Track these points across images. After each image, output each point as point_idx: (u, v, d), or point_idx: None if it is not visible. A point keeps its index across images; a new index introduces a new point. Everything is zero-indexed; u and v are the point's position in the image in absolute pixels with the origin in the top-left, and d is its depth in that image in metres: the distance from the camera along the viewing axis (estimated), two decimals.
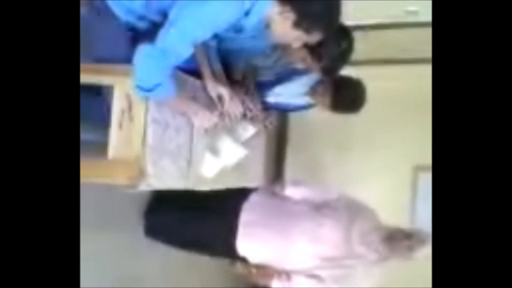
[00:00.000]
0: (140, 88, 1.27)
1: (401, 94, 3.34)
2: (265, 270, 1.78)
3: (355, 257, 1.69)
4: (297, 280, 1.72)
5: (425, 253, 1.60)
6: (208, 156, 1.61)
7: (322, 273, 1.69)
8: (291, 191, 1.88)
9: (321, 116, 3.36)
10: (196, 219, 1.90)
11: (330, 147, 3.50)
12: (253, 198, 1.91)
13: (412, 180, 3.31)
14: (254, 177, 2.01)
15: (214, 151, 1.63)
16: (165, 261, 2.34)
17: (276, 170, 3.51)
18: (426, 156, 3.29)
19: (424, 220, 3.21)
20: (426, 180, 3.34)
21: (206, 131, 1.57)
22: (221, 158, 1.64)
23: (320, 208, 1.79)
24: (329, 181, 3.36)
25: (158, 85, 1.27)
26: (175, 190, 1.53)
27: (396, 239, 1.65)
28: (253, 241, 1.81)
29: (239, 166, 1.79)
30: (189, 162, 1.55)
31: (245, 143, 1.79)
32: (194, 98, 1.56)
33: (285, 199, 1.91)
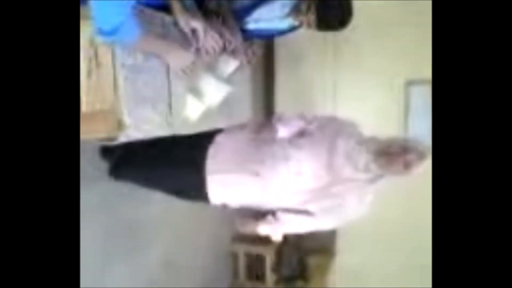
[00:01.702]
0: (101, 31, 1.11)
1: (391, 10, 3.12)
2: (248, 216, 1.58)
3: (343, 181, 1.43)
4: (285, 218, 1.50)
5: (424, 167, 1.37)
6: (190, 98, 1.49)
7: (311, 207, 1.46)
8: (284, 132, 1.52)
9: (308, 39, 3.24)
10: (163, 176, 1.57)
11: (320, 69, 3.35)
12: (219, 140, 1.58)
13: (404, 95, 3.21)
14: (242, 114, 1.90)
15: (196, 91, 1.50)
16: (165, 207, 2.31)
17: (266, 103, 3.39)
18: (417, 70, 3.23)
19: (416, 134, 3.21)
20: (418, 95, 3.25)
21: (184, 71, 1.43)
22: (204, 98, 1.51)
23: (294, 139, 1.49)
24: (320, 104, 3.27)
25: (119, 26, 1.11)
26: (137, 145, 1.42)
27: (390, 154, 1.36)
28: (225, 188, 1.52)
29: (225, 105, 1.67)
30: (170, 106, 1.43)
31: (228, 79, 1.65)
32: (165, 36, 1.39)
33: (257, 135, 1.59)
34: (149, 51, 1.32)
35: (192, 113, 1.50)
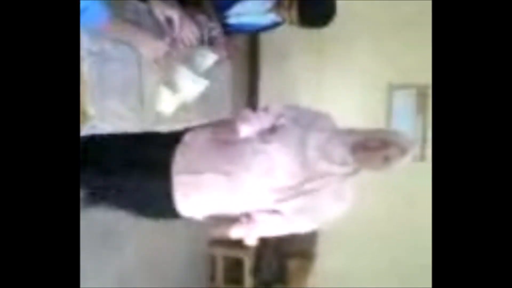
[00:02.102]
0: None
1: (378, 13, 3.09)
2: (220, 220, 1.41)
3: (318, 177, 1.30)
4: (260, 217, 1.36)
5: (405, 163, 1.26)
6: (163, 91, 1.38)
7: (283, 207, 1.32)
8: (246, 131, 1.37)
9: (294, 38, 3.18)
10: (123, 182, 1.34)
11: (305, 68, 3.30)
12: (187, 139, 1.41)
13: (387, 98, 3.18)
14: (221, 111, 1.80)
15: (170, 85, 1.40)
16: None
17: (249, 102, 3.30)
18: (401, 74, 3.20)
19: None
20: (400, 98, 3.22)
21: (157, 61, 1.32)
22: (179, 92, 1.41)
23: (265, 134, 1.37)
24: (304, 103, 3.22)
25: (84, 8, 1.00)
26: (94, 148, 1.26)
27: (369, 149, 1.25)
28: (194, 191, 1.34)
29: (203, 100, 1.57)
30: (142, 100, 1.32)
31: (207, 74, 1.55)
32: (137, 24, 1.28)
33: (218, 136, 1.43)
34: (119, 38, 1.21)
35: (166, 108, 1.39)
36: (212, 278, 3.13)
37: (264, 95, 3.32)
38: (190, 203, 1.35)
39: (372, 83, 3.19)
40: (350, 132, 1.34)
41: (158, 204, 1.36)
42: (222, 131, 1.39)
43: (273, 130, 1.38)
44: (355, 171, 1.32)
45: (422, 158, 2.87)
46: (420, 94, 3.17)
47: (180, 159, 1.35)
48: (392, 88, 3.21)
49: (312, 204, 1.31)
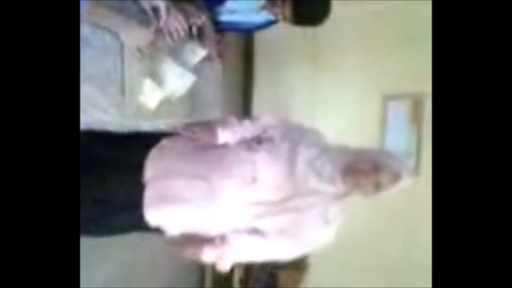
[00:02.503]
0: None
1: (375, 22, 3.07)
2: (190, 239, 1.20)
3: (305, 194, 1.18)
4: (236, 240, 1.19)
5: (399, 189, 1.15)
6: (147, 83, 1.30)
7: (263, 224, 1.17)
8: (225, 136, 1.25)
9: (289, 41, 3.13)
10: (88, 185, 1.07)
11: (300, 74, 3.25)
12: (165, 143, 1.26)
13: (381, 109, 3.12)
14: (210, 112, 1.72)
15: (155, 76, 1.32)
16: None
17: (243, 103, 3.23)
18: (395, 85, 3.16)
19: (393, 149, 3.12)
20: (395, 110, 3.17)
21: (141, 50, 1.25)
22: (164, 86, 1.33)
23: (252, 143, 1.24)
24: (298, 109, 3.15)
25: None
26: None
27: (360, 172, 1.14)
28: (165, 199, 1.18)
29: (190, 97, 1.49)
30: (123, 91, 1.24)
31: (195, 70, 1.48)
32: (121, 11, 1.21)
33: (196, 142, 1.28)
34: (99, 23, 1.13)
35: (150, 101, 1.31)
36: None
37: (259, 100, 3.26)
38: (161, 212, 1.18)
39: (366, 92, 3.14)
40: (341, 150, 1.23)
41: (126, 213, 1.19)
42: (201, 133, 1.24)
43: (259, 141, 1.25)
44: (345, 194, 1.19)
45: (416, 171, 2.81)
46: (415, 105, 3.12)
47: (153, 163, 1.20)
48: (387, 99, 3.15)
49: (296, 225, 1.17)
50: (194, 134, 1.21)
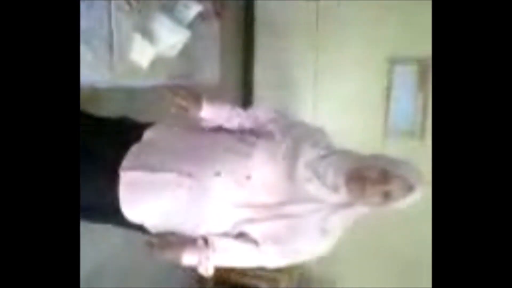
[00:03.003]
0: None
1: None
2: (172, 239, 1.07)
3: (304, 200, 1.04)
4: (221, 244, 1.06)
5: (411, 201, 1.00)
6: (138, 39, 1.21)
7: (253, 230, 1.05)
8: (210, 112, 1.11)
9: (291, 13, 3.00)
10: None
11: (301, 44, 3.14)
12: (147, 137, 1.13)
13: (387, 73, 3.02)
14: (206, 72, 1.64)
15: (146, 32, 1.23)
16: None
17: (243, 68, 3.13)
18: (400, 48, 3.03)
19: (398, 115, 3.04)
20: (401, 75, 3.07)
21: (130, 5, 1.15)
22: (156, 42, 1.24)
23: (247, 135, 1.10)
24: (300, 79, 3.05)
25: None
26: None
27: (366, 179, 0.99)
28: (142, 191, 1.05)
29: (184, 56, 1.40)
30: (111, 46, 1.15)
31: (190, 27, 1.38)
32: None
33: (198, 130, 1.15)
34: None
35: (141, 58, 1.22)
36: None
37: (259, 66, 3.15)
38: (138, 207, 1.06)
39: (372, 58, 3.03)
40: (347, 154, 1.08)
41: (103, 205, 1.06)
42: (187, 98, 1.09)
43: (256, 131, 1.12)
44: (348, 204, 1.04)
45: (421, 136, 2.78)
46: (422, 70, 3.02)
47: (133, 153, 1.07)
48: (392, 63, 3.04)
49: (289, 233, 1.04)
50: (181, 99, 1.08)
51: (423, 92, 3.07)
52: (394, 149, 3.30)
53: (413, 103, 3.00)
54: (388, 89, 3.01)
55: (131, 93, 1.55)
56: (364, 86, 2.94)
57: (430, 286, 0.81)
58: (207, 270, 1.05)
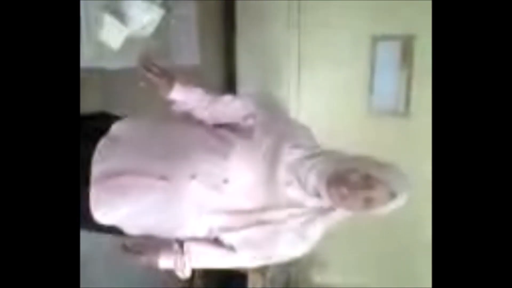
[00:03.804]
0: None
1: None
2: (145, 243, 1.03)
3: (284, 205, 0.98)
4: (196, 250, 1.02)
5: (393, 208, 0.96)
6: (108, 20, 1.15)
7: (229, 238, 1.00)
8: (180, 94, 1.04)
9: None
10: None
11: (283, 25, 3.08)
12: (115, 132, 1.05)
13: (370, 51, 2.99)
14: (185, 53, 1.57)
15: (116, 12, 1.16)
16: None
17: (225, 55, 3.07)
18: (383, 25, 3.00)
19: (382, 93, 3.02)
20: (384, 50, 3.05)
21: None
22: (128, 21, 1.18)
23: (224, 131, 1.04)
24: (283, 61, 3.00)
25: None
26: None
27: (348, 183, 0.93)
28: (114, 195, 0.99)
29: (160, 36, 1.34)
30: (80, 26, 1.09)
31: (166, 7, 1.32)
32: None
33: (171, 122, 1.08)
34: None
35: (112, 39, 1.16)
36: None
37: (241, 48, 3.08)
38: (110, 212, 1.00)
39: (355, 36, 2.99)
40: (332, 156, 1.02)
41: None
42: (158, 75, 1.02)
43: (234, 131, 1.04)
44: (330, 209, 0.99)
45: (406, 114, 2.78)
46: (404, 47, 2.99)
47: (100, 154, 1.01)
48: (375, 40, 3.01)
49: (267, 239, 0.99)
50: (153, 75, 1.01)
51: (406, 69, 3.06)
52: (379, 127, 3.30)
53: (397, 81, 2.99)
54: (372, 67, 2.98)
55: (105, 75, 1.48)
56: (347, 65, 2.91)
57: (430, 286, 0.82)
58: (183, 273, 1.03)
